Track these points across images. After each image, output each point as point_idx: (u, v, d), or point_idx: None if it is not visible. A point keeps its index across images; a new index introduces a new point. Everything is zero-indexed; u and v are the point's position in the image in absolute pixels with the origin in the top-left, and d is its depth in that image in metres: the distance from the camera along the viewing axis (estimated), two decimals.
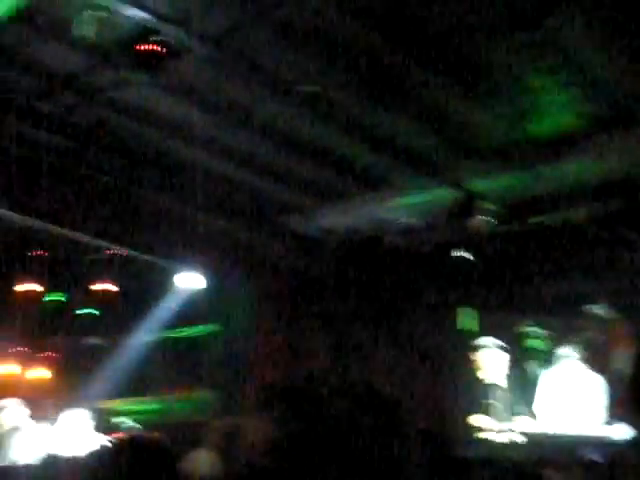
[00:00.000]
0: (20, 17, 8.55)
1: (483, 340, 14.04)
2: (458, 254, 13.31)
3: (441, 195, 12.26)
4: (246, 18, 8.61)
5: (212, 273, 13.45)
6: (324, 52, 9.12)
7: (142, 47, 8.63)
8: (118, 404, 16.45)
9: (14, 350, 18.09)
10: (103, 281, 15.79)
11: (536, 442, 13.01)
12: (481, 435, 13.50)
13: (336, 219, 13.60)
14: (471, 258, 13.38)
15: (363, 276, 14.74)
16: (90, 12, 8.29)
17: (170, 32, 8.66)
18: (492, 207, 12.05)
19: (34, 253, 15.94)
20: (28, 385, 17.53)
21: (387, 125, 10.76)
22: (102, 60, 9.44)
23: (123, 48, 8.81)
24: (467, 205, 11.93)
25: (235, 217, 13.42)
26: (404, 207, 12.81)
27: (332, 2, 8.33)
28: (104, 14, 8.34)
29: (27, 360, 18.26)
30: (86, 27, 8.34)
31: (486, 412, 13.64)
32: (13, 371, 17.70)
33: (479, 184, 11.89)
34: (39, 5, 8.45)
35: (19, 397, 15.28)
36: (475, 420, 13.64)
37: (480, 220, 11.94)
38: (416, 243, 14.04)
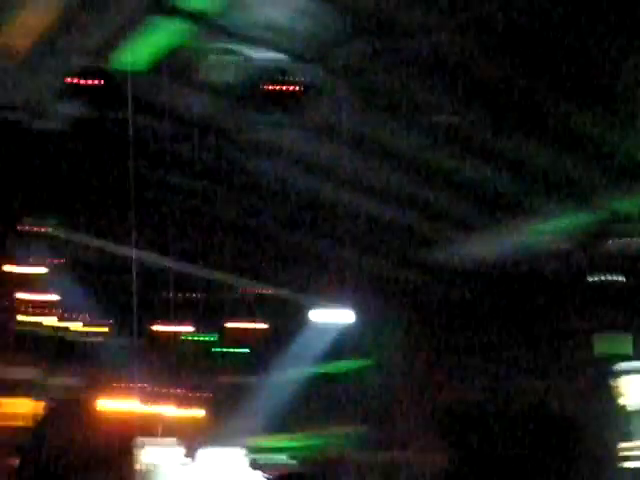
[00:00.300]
0: (155, 67, 8.80)
1: (633, 365, 13.64)
2: (604, 277, 12.99)
3: (584, 219, 11.99)
4: (379, 52, 8.64)
5: (358, 308, 13.45)
6: (460, 83, 9.06)
7: (275, 87, 8.73)
8: (270, 441, 16.52)
9: (164, 390, 18.37)
10: (250, 320, 16.00)
11: None
12: (628, 463, 13.08)
13: (479, 249, 13.43)
14: (619, 280, 13.04)
15: (509, 303, 14.51)
16: (222, 57, 8.46)
17: (303, 71, 8.75)
18: (637, 227, 11.73)
19: (181, 295, 16.28)
20: (179, 424, 17.75)
21: (527, 152, 10.60)
22: (236, 102, 9.60)
23: (256, 89, 8.93)
24: (611, 227, 11.65)
25: (379, 252, 13.39)
26: (548, 233, 12.57)
27: (469, 34, 8.29)
28: (235, 58, 8.49)
29: (177, 400, 18.51)
30: (218, 71, 8.52)
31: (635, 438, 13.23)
32: (163, 411, 17.96)
33: (622, 205, 11.59)
34: (172, 54, 8.66)
35: (171, 436, 15.57)
36: (623, 447, 13.23)
37: (625, 241, 11.64)
38: (561, 268, 13.74)
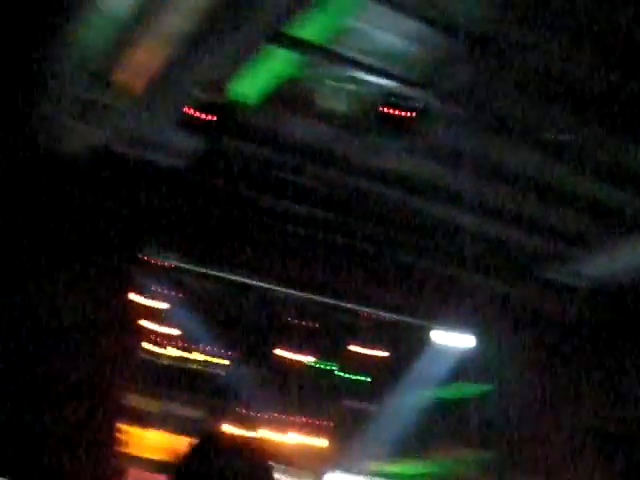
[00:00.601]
0: (270, 98, 8.90)
1: None
2: None
3: None
4: (491, 72, 8.59)
5: (480, 330, 13.33)
6: (575, 98, 8.93)
7: (390, 113, 8.74)
8: (394, 467, 16.44)
9: (287, 418, 18.46)
10: (371, 346, 16.02)
11: None
12: None
13: (602, 266, 13.16)
14: None
15: (635, 324, 14.17)
16: (336, 84, 8.51)
17: (417, 95, 8.73)
18: None
19: (302, 323, 16.40)
20: (303, 452, 17.80)
21: None
22: (351, 130, 9.63)
23: (371, 116, 8.95)
24: None
25: (499, 273, 13.23)
26: None
27: (582, 48, 8.18)
28: (350, 85, 8.53)
29: (300, 427, 18.58)
30: (333, 99, 8.57)
31: None
32: (286, 439, 18.03)
33: None
34: (287, 84, 8.75)
35: (296, 464, 15.63)
36: None
37: None
38: None
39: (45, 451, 9.53)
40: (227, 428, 16.51)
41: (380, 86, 8.65)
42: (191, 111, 9.08)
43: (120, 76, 8.79)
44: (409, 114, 8.67)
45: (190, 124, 9.22)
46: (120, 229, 10.49)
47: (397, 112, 8.66)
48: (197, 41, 8.07)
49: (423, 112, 8.78)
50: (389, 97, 8.68)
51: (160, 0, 7.64)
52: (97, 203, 10.15)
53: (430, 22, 8.08)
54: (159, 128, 9.67)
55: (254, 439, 16.61)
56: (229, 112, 8.96)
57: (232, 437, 3.54)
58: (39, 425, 9.51)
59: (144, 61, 8.53)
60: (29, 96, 9.04)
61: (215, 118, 9.00)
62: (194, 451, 2.84)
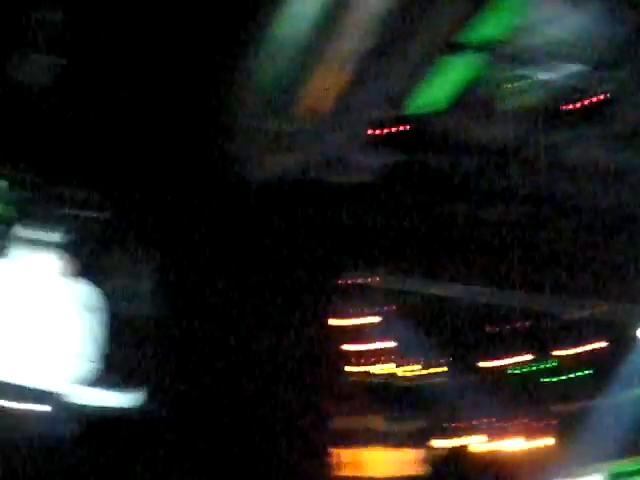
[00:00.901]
0: (453, 104, 8.85)
1: None
2: None
3: None
4: None
5: None
6: None
7: (576, 103, 8.55)
8: (628, 464, 15.97)
9: (508, 423, 18.24)
10: (583, 342, 15.71)
11: None
12: None
13: None
14: None
15: None
16: (517, 83, 8.40)
17: (602, 80, 8.51)
18: None
19: (511, 324, 16.25)
20: (528, 456, 17.54)
21: None
22: (539, 126, 9.44)
23: (557, 109, 8.77)
24: None
25: None
26: None
27: None
28: (531, 81, 8.40)
29: (523, 431, 18.33)
30: (516, 98, 8.46)
31: None
32: (511, 445, 17.79)
33: None
34: (467, 88, 8.68)
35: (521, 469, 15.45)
36: None
37: None
38: None
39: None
40: (451, 440, 16.45)
41: (564, 76, 8.46)
42: (377, 127, 9.12)
43: (305, 102, 8.92)
44: (597, 100, 8.45)
45: (378, 140, 9.26)
46: (321, 252, 10.62)
47: (584, 101, 8.46)
48: (376, 58, 8.11)
49: (612, 97, 8.54)
50: (574, 86, 8.49)
51: (334, 24, 7.72)
52: (296, 229, 10.31)
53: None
54: (347, 148, 9.75)
55: (487, 449, 16.51)
56: (415, 124, 8.95)
57: (470, 448, 3.53)
58: (259, 452, 9.70)
59: (326, 84, 8.63)
60: (220, 133, 9.28)
61: (402, 131, 9.02)
62: (436, 466, 2.82)
